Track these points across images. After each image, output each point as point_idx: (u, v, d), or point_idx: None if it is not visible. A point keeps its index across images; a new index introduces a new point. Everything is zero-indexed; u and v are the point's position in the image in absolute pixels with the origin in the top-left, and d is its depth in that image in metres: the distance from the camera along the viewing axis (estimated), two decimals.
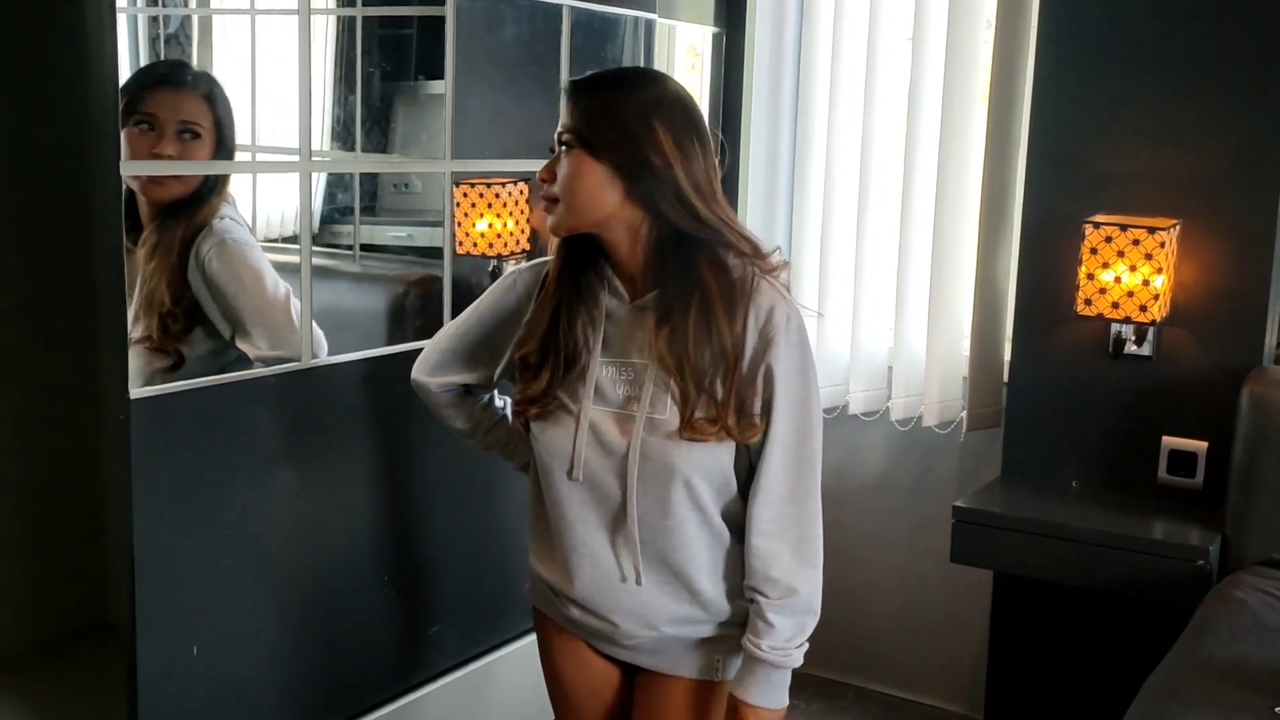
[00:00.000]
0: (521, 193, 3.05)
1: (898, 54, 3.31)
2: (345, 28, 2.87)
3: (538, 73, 2.72)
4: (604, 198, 1.81)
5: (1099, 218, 2.90)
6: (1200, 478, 2.97)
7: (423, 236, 3.47)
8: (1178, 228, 2.88)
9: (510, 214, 3.04)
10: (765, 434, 1.82)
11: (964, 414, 3.24)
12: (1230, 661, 2.29)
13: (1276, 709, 2.08)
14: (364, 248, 2.81)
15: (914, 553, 3.43)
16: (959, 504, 2.96)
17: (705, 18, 3.09)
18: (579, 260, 1.92)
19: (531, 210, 2.92)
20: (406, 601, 2.46)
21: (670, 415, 1.83)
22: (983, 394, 3.23)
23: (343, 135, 2.85)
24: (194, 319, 2.18)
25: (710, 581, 1.91)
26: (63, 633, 2.53)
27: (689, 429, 1.81)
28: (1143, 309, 2.85)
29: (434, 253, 3.42)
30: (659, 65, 3.30)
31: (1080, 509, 2.95)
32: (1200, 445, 2.96)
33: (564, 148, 1.83)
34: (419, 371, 2.09)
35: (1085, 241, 2.89)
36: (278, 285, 2.23)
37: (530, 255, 3.17)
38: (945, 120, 3.18)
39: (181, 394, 2.04)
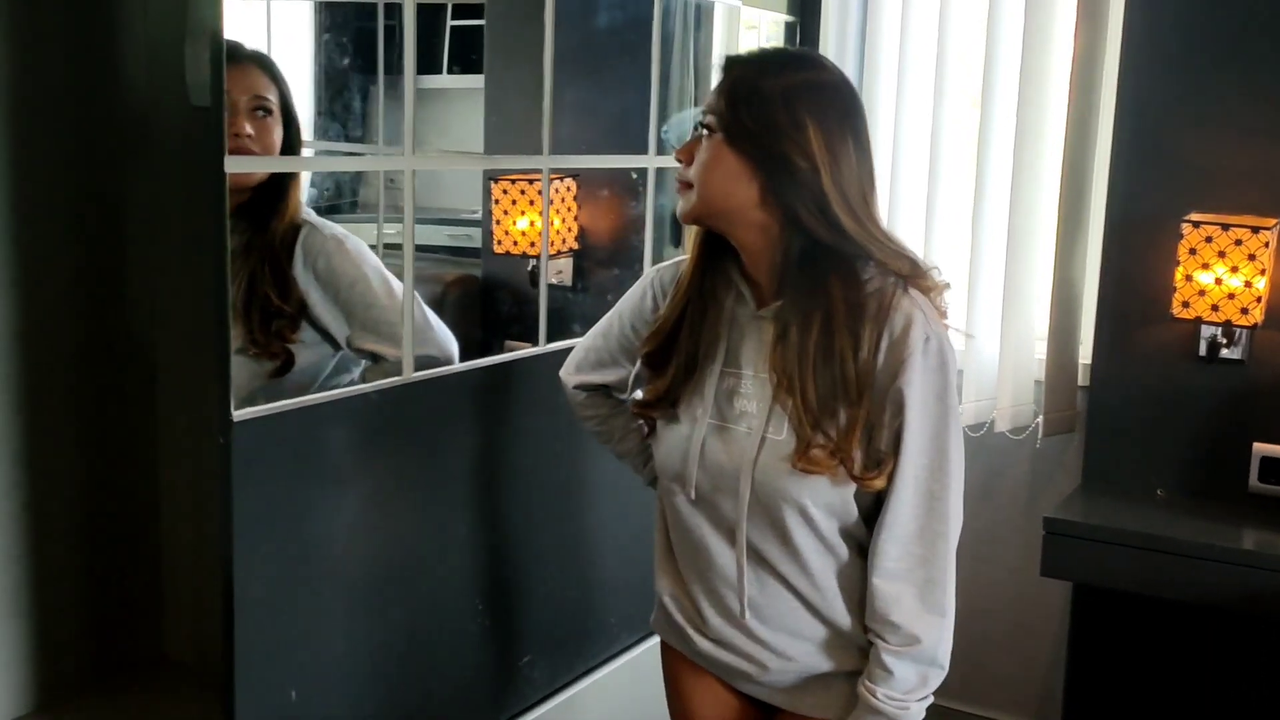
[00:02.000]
0: (569, 189, 2.88)
1: (969, 42, 3.17)
2: (328, 15, 2.70)
3: (627, 63, 2.55)
4: (737, 192, 1.65)
5: (1197, 216, 2.78)
6: None
7: (416, 234, 3.30)
8: (1278, 226, 2.77)
9: (556, 212, 2.87)
10: (895, 465, 1.65)
11: (1040, 419, 3.11)
12: None
13: None
14: None
15: (982, 561, 3.30)
16: (1050, 515, 2.83)
17: (779, 4, 2.94)
18: (714, 260, 1.77)
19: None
20: (499, 632, 2.28)
21: (787, 437, 1.67)
22: (1058, 398, 3.11)
23: (326, 127, 2.65)
24: (301, 318, 2.04)
25: (843, 608, 1.74)
26: (119, 668, 2.33)
27: (804, 460, 1.64)
28: (1244, 311, 2.74)
29: (470, 252, 3.25)
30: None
31: (1173, 519, 2.83)
32: None
33: (704, 131, 1.67)
34: (563, 370, 2.03)
35: (1183, 241, 2.77)
36: (395, 284, 2.09)
37: (579, 255, 3.01)
38: (1020, 112, 3.05)
39: (285, 414, 1.84)
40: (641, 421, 1.98)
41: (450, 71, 3.24)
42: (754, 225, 1.67)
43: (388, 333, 2.07)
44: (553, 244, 2.89)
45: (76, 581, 2.27)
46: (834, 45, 3.21)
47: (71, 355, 2.24)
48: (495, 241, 3.00)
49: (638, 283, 1.93)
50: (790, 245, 1.66)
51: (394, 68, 2.74)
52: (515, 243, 2.97)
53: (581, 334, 2.32)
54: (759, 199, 1.64)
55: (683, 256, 1.85)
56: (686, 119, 2.94)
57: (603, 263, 3.09)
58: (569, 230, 2.95)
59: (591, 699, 2.48)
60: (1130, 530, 2.77)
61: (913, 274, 1.68)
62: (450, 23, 3.33)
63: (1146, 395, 2.99)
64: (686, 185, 1.70)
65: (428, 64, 3.33)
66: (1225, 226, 2.73)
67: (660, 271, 1.89)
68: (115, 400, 2.30)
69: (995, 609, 3.29)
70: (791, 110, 1.61)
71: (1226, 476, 2.93)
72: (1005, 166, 3.09)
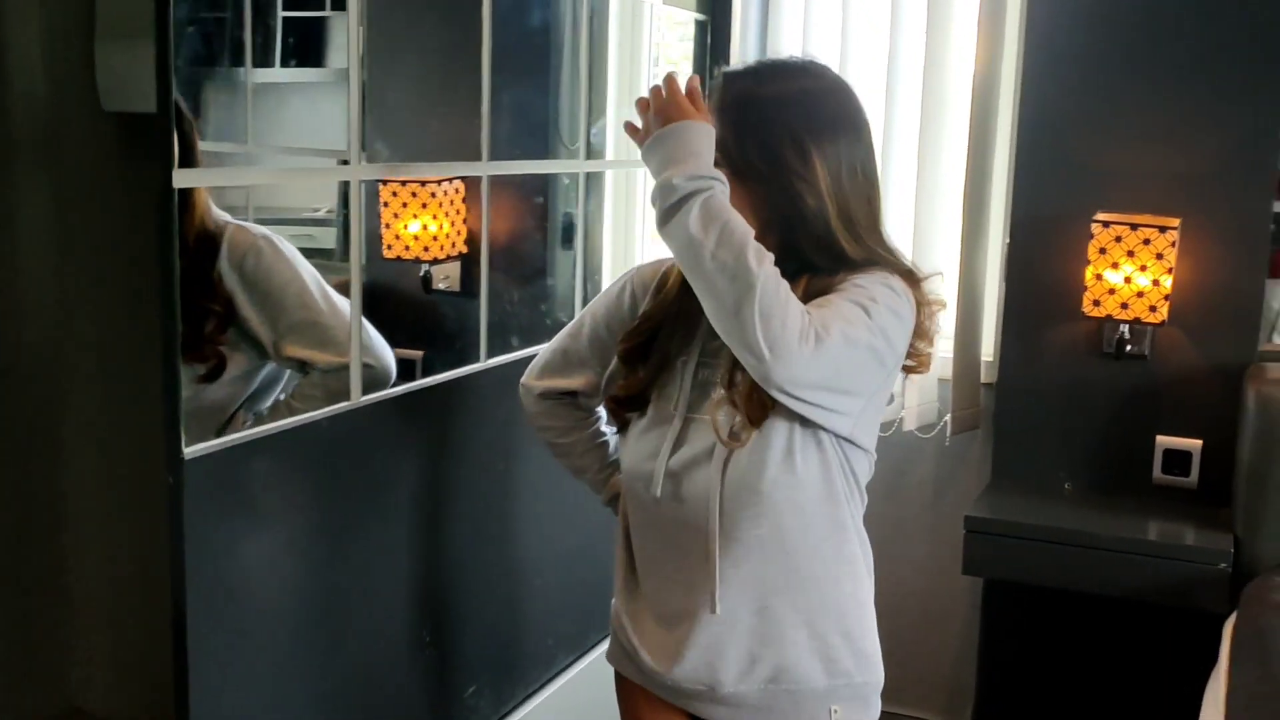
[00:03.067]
0: (457, 191, 2.78)
1: (871, 43, 3.17)
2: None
3: (538, 62, 2.45)
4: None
5: (1106, 216, 2.84)
6: (1195, 476, 2.95)
7: None
8: (1181, 226, 2.84)
9: (446, 215, 2.77)
10: None
11: (949, 417, 3.13)
12: None
13: None
14: None
15: (892, 559, 3.30)
16: (971, 514, 2.85)
17: (689, 2, 2.88)
18: None
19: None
20: (446, 663, 2.17)
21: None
22: (963, 396, 3.14)
23: None
24: (229, 320, 1.90)
25: (825, 613, 1.67)
26: None
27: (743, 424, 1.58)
28: (1152, 309, 2.80)
29: (319, 254, 3.11)
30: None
31: (1086, 514, 2.89)
32: (1194, 444, 2.95)
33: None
34: (527, 376, 1.91)
35: (1094, 241, 2.82)
36: (331, 290, 1.96)
37: (467, 259, 2.90)
38: (923, 114, 3.06)
39: (238, 448, 1.70)
40: (604, 438, 1.92)
41: (285, 65, 3.11)
42: None
43: (319, 338, 1.94)
44: (443, 248, 2.78)
45: None
46: (740, 44, 3.17)
47: None
48: (385, 246, 2.87)
49: (615, 281, 1.85)
50: (785, 268, 1.60)
51: (265, 62, 2.60)
52: (407, 247, 2.85)
53: (473, 340, 2.23)
54: (762, 230, 1.57)
55: (666, 256, 1.75)
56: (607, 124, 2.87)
57: (494, 267, 2.99)
58: (458, 234, 2.85)
59: None
60: (1047, 526, 2.81)
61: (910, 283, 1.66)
62: (282, 14, 3.19)
63: (1053, 392, 3.03)
64: None
65: (262, 57, 3.19)
66: (1134, 226, 2.78)
67: (640, 270, 1.82)
68: (11, 432, 2.09)
69: (905, 605, 3.31)
70: (801, 147, 1.57)
71: (1132, 469, 3.00)
72: (909, 167, 3.10)
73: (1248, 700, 2.21)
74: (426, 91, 2.64)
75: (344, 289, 2.97)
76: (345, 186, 2.76)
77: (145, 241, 1.67)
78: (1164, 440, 2.96)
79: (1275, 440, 2.73)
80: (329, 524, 1.89)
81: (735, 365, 1.56)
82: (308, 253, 3.03)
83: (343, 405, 1.89)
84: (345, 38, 2.79)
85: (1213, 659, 2.66)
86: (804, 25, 3.18)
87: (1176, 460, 2.95)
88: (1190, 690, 2.66)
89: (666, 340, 1.71)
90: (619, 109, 3.08)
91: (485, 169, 2.17)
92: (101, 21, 1.93)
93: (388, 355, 2.03)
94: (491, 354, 2.23)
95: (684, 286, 1.67)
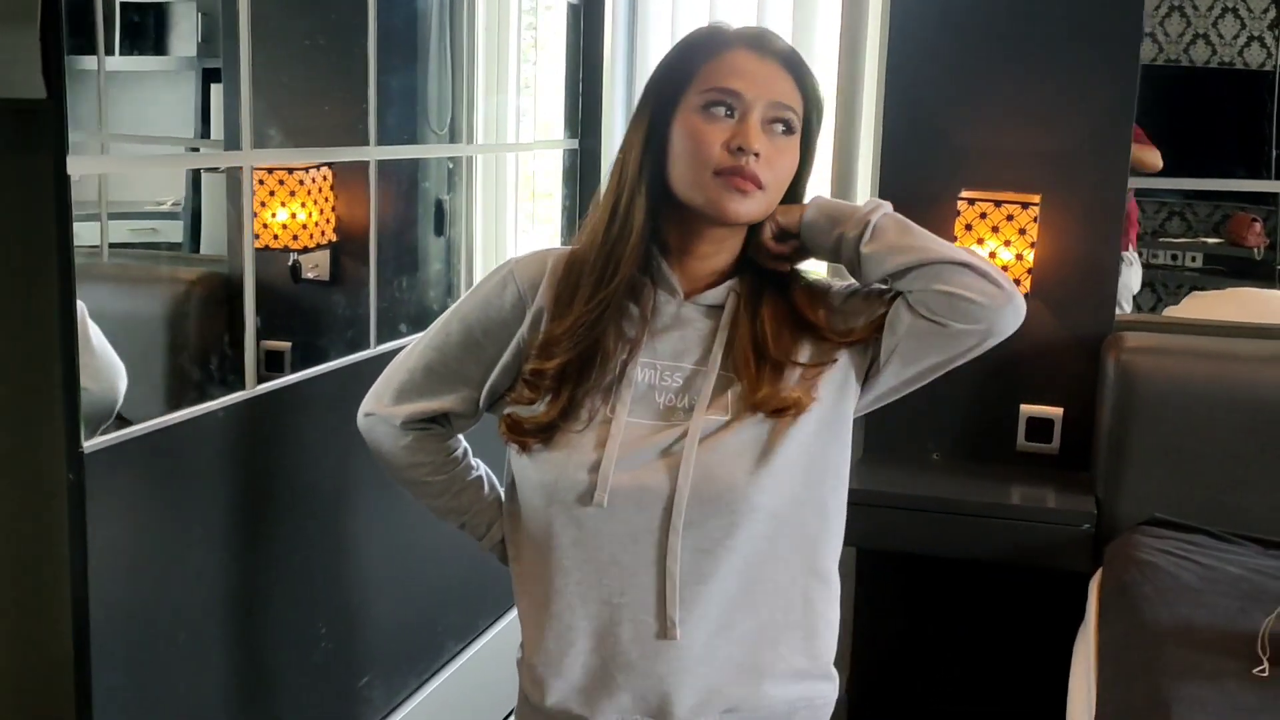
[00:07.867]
0: (325, 179, 2.74)
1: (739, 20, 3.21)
2: None
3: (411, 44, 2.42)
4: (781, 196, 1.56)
5: (971, 193, 2.93)
6: (1056, 443, 3.08)
7: (114, 231, 3.06)
8: (1039, 202, 2.95)
9: (315, 203, 2.73)
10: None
11: None
12: (1178, 626, 2.35)
13: (1256, 670, 2.17)
14: None
15: None
16: (852, 486, 2.92)
17: None
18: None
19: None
20: (340, 656, 2.14)
21: (733, 421, 1.48)
22: None
23: None
24: None
25: (792, 633, 1.54)
26: None
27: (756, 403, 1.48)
28: (1017, 282, 2.90)
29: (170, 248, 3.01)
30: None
31: (954, 482, 2.98)
32: (1056, 411, 3.07)
33: (781, 126, 1.50)
34: (375, 403, 1.60)
35: (960, 218, 2.91)
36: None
37: (336, 248, 2.86)
38: None
39: (135, 440, 1.66)
40: (479, 470, 1.68)
41: (123, 52, 3.01)
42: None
43: None
44: (313, 237, 2.74)
45: None
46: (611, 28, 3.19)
47: None
48: (253, 235, 2.82)
49: (486, 278, 1.57)
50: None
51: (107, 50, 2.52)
52: (275, 236, 2.80)
53: (341, 331, 2.19)
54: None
55: (543, 250, 1.58)
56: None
57: (360, 256, 2.95)
58: (326, 222, 2.81)
59: (428, 713, 2.38)
60: (916, 495, 2.90)
61: None
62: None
63: None
64: (758, 185, 1.48)
65: (91, 44, 3.08)
66: (998, 203, 2.88)
67: (520, 263, 1.56)
68: None
69: None
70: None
71: (996, 437, 3.11)
72: None
73: (1117, 651, 2.33)
74: (310, 78, 2.57)
75: (210, 281, 2.90)
76: (195, 176, 2.69)
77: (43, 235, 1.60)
78: (1027, 409, 3.08)
79: (1134, 406, 2.86)
80: (226, 514, 1.86)
81: (754, 362, 1.52)
82: (154, 248, 2.95)
83: (238, 395, 1.85)
84: (187, 25, 2.75)
85: (1080, 615, 2.78)
86: (672, 7, 3.20)
87: (1039, 428, 3.07)
88: (1059, 646, 2.78)
89: (607, 347, 1.50)
90: (488, 93, 3.06)
91: (373, 154, 2.14)
92: None
93: (115, 377, 1.71)
94: (314, 337, 2.19)
95: (627, 284, 1.49)
